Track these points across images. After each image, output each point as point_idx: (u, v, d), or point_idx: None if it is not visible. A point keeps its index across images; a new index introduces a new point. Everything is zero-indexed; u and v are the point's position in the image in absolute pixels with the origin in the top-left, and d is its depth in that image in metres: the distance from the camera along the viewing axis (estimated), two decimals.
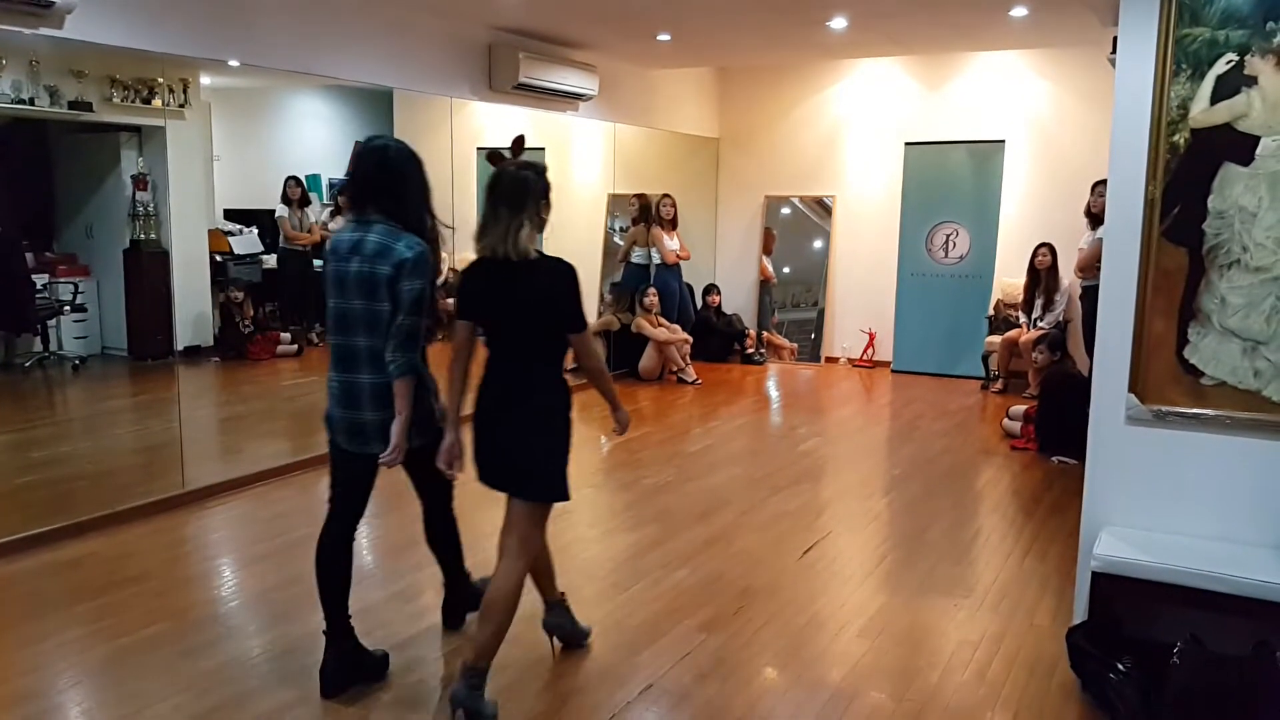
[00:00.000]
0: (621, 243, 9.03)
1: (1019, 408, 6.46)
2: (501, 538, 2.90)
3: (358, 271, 2.91)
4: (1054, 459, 5.86)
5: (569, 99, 7.28)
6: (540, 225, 2.79)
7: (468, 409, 2.92)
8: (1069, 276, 7.56)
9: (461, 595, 3.49)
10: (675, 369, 8.25)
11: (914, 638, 3.50)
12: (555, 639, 3.36)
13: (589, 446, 6.25)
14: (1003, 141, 8.41)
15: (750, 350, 9.26)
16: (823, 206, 9.39)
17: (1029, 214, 8.41)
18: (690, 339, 8.45)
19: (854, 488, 5.37)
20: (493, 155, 2.85)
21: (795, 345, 9.51)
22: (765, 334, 9.52)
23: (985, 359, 8.19)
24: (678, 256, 8.66)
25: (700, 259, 9.47)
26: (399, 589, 3.87)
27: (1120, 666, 2.94)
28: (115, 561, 4.15)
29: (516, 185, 2.75)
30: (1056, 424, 5.98)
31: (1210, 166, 3.08)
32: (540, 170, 2.82)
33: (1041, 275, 7.79)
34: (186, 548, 4.42)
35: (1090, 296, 6.45)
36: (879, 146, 9.00)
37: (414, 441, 2.99)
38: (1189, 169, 3.10)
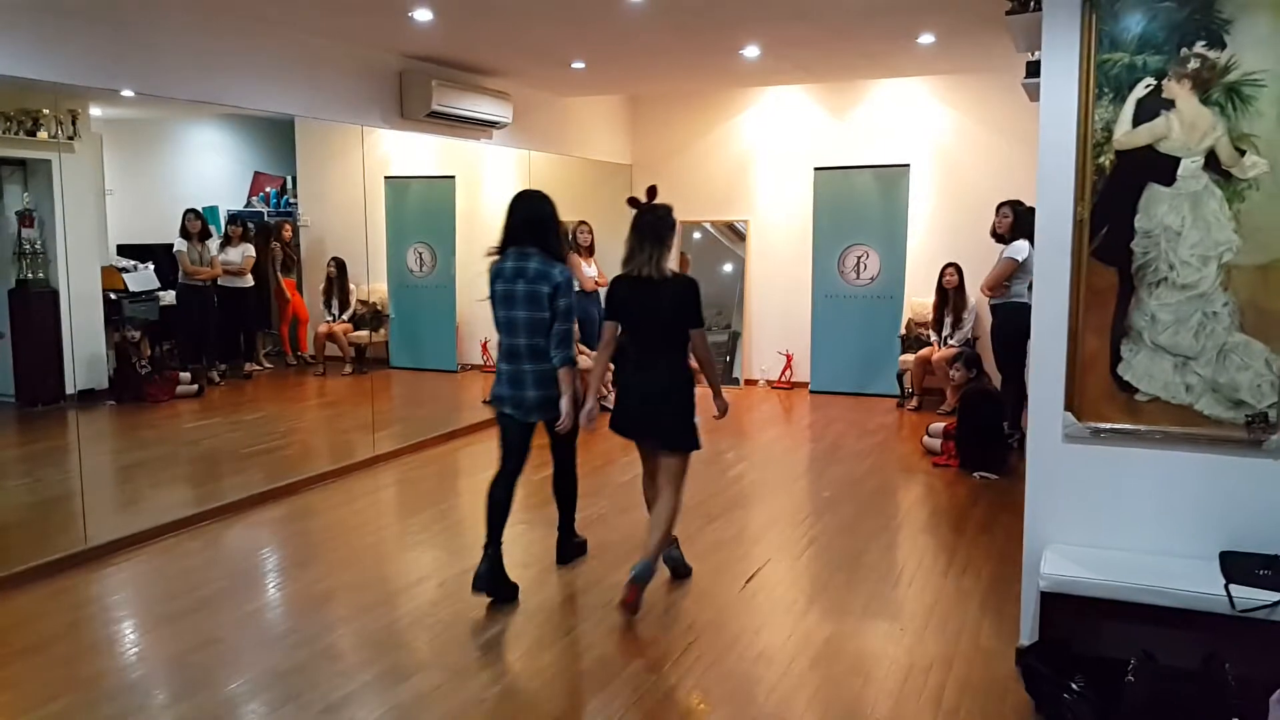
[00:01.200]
0: None
1: (938, 425, 6.54)
2: (653, 481, 4.07)
3: (525, 290, 3.91)
4: (976, 474, 5.93)
5: (483, 127, 7.15)
6: (669, 250, 3.90)
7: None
8: (975, 295, 7.72)
9: (569, 541, 4.46)
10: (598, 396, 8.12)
11: (865, 667, 3.44)
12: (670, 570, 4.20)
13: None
14: (907, 165, 8.59)
15: None
16: (735, 231, 9.43)
17: (935, 235, 8.59)
18: (612, 366, 8.33)
19: (787, 512, 5.34)
20: (631, 200, 4.00)
21: None
22: None
23: (900, 377, 8.31)
24: (596, 284, 8.55)
25: None
26: (323, 647, 3.63)
27: (1074, 686, 2.93)
28: (12, 629, 3.79)
29: (657, 224, 3.90)
30: (976, 440, 6.07)
31: (1135, 187, 3.14)
32: (669, 211, 3.95)
33: (950, 294, 7.95)
34: (91, 610, 4.08)
35: (998, 314, 6.57)
36: (789, 171, 9.09)
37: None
38: (1115, 190, 3.16)
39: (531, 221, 3.96)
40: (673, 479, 3.96)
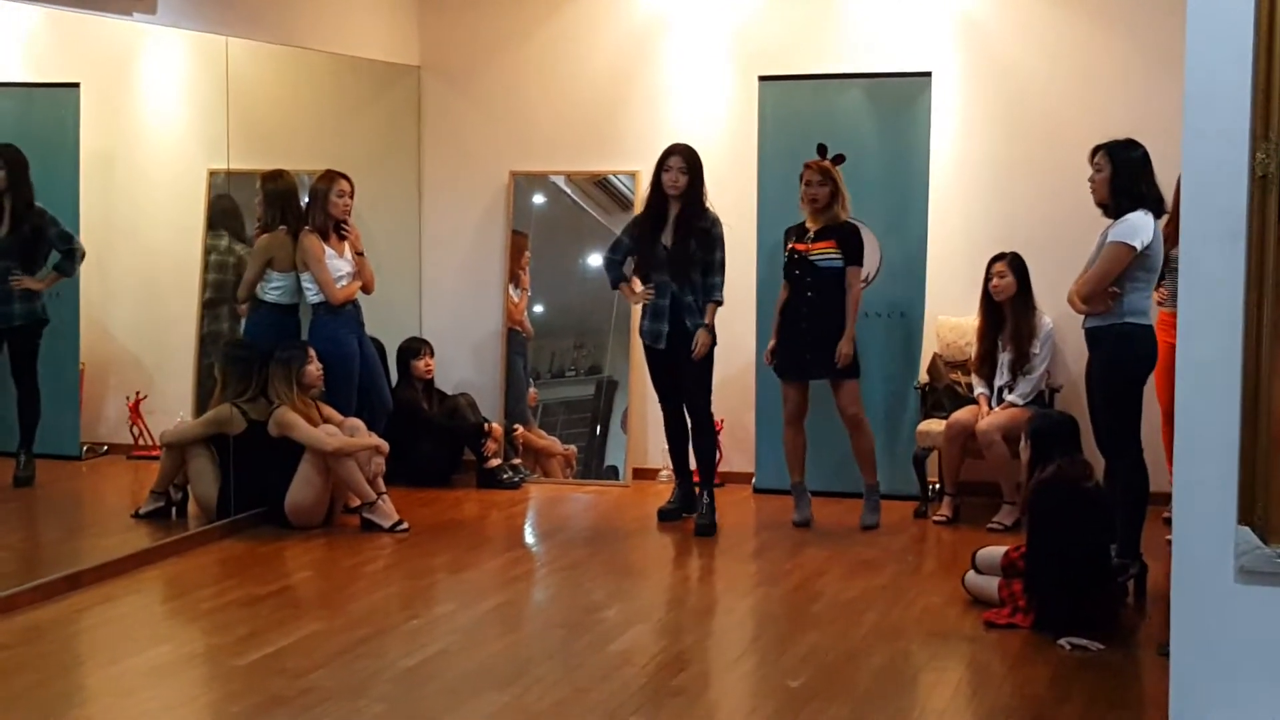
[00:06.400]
0: (231, 265, 8.72)
1: (993, 550, 6.62)
2: (797, 429, 8.33)
3: None
4: (1063, 642, 6.01)
5: None
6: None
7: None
8: (1056, 310, 7.87)
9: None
10: (358, 503, 8.02)
11: None
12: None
13: (203, 669, 5.93)
14: (928, 75, 8.76)
15: (494, 463, 9.14)
16: (613, 193, 9.49)
17: (979, 204, 8.81)
18: (386, 446, 8.21)
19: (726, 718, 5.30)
20: (821, 148, 8.25)
21: (573, 449, 9.48)
22: (519, 430, 9.44)
23: (919, 462, 8.43)
24: (354, 288, 8.43)
25: (392, 292, 9.35)
26: None
27: None
28: None
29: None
30: (1062, 578, 6.14)
31: None
32: (841, 159, 8.29)
33: (1005, 311, 8.08)
34: None
35: (1102, 345, 6.63)
36: (714, 84, 9.23)
37: None
38: None
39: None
40: (857, 405, 8.08)
